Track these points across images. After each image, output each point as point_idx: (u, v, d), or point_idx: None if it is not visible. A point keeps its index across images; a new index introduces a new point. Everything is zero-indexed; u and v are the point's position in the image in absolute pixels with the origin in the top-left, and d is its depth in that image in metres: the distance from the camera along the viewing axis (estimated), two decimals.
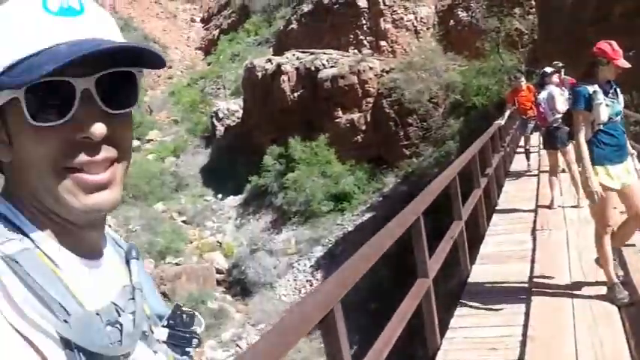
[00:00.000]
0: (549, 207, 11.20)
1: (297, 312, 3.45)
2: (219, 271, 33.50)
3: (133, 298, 1.55)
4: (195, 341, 1.66)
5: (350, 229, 31.57)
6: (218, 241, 36.92)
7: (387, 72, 36.12)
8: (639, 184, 6.60)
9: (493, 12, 35.93)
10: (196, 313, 1.69)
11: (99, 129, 1.34)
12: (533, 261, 8.38)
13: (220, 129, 48.14)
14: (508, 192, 14.05)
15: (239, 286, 31.96)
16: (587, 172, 6.30)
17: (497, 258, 9.04)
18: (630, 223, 6.88)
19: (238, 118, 46.15)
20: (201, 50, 72.74)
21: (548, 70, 12.26)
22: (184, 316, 1.68)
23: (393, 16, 40.48)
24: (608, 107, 6.29)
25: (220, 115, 48.64)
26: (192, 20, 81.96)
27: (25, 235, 1.43)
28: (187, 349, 1.66)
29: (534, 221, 10.60)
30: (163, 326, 1.65)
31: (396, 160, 33.93)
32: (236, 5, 68.74)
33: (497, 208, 12.39)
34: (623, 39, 20.33)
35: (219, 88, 56.57)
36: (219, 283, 33.01)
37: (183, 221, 40.12)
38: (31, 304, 1.31)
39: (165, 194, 43.44)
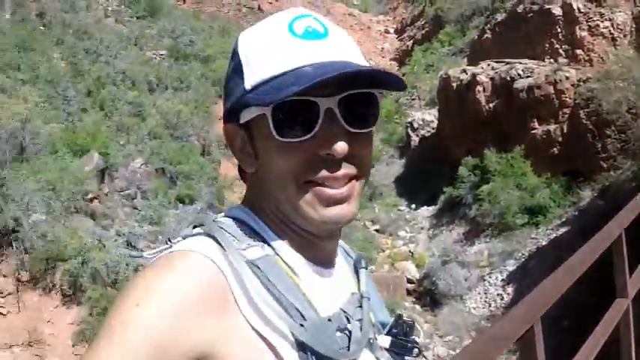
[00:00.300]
0: None
1: (499, 326, 3.45)
2: (410, 281, 33.70)
3: (360, 306, 1.69)
4: (415, 350, 1.74)
5: (544, 243, 30.76)
6: (410, 251, 37.07)
7: (584, 81, 34.96)
8: None
9: None
10: (416, 324, 1.79)
11: (341, 147, 1.48)
12: None
13: (415, 139, 48.24)
14: None
15: (429, 296, 32.00)
16: None
17: None
18: None
19: (433, 129, 46.06)
20: (396, 61, 72.95)
21: None
22: (405, 325, 1.75)
23: (589, 24, 39.15)
24: None
25: (415, 125, 48.70)
26: (386, 32, 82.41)
27: (265, 242, 1.59)
28: (407, 358, 1.74)
29: None
30: (386, 334, 1.74)
31: (592, 173, 32.66)
32: (429, 16, 68.77)
33: None
34: None
35: (413, 99, 56.69)
36: (409, 292, 33.23)
37: (376, 230, 40.52)
38: (270, 307, 1.46)
39: (361, 203, 43.76)
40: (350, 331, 1.58)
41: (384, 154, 51.00)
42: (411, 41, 71.37)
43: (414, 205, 42.64)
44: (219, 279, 1.40)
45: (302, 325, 1.46)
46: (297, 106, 1.43)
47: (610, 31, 39.13)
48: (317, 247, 1.64)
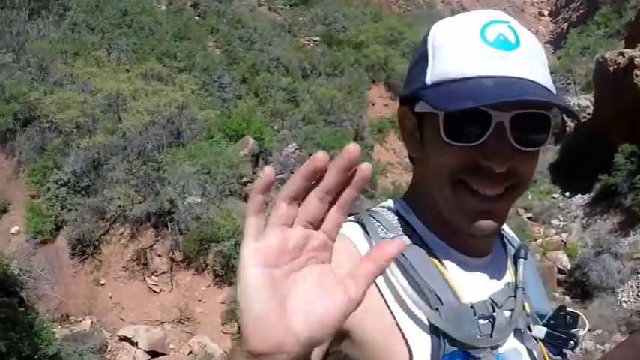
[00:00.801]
0: None
1: None
2: (561, 271, 32.82)
3: (514, 296, 1.71)
4: (571, 343, 1.74)
5: None
6: (562, 240, 36.20)
7: None
8: None
9: None
10: (581, 315, 1.77)
11: (502, 165, 1.50)
12: None
13: (570, 125, 47.14)
14: None
15: (579, 287, 31.13)
16: None
17: None
18: None
19: (589, 114, 44.69)
20: (551, 44, 71.33)
21: None
22: (568, 317, 1.75)
23: None
24: None
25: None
26: (540, 14, 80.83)
27: (415, 232, 1.67)
28: (564, 350, 1.74)
29: None
30: (543, 325, 1.74)
31: None
32: None
33: None
34: None
35: (569, 83, 55.32)
36: (559, 283, 32.42)
37: (529, 218, 39.94)
38: (408, 292, 1.52)
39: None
40: (494, 319, 1.61)
41: None
42: (566, 24, 69.77)
43: (567, 193, 41.84)
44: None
45: (437, 309, 1.51)
46: (471, 114, 1.45)
47: None
48: (468, 240, 1.68)
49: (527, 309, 1.73)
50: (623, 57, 39.18)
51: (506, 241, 1.91)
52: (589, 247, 33.25)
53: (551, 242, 36.36)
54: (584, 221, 37.72)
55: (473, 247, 1.70)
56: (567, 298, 30.73)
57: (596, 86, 42.51)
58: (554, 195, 43.02)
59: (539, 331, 1.71)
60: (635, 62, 37.28)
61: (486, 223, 1.57)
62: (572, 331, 1.73)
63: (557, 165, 45.70)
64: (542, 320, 1.75)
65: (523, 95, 1.44)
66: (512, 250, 1.87)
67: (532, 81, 1.49)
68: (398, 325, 1.51)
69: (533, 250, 34.72)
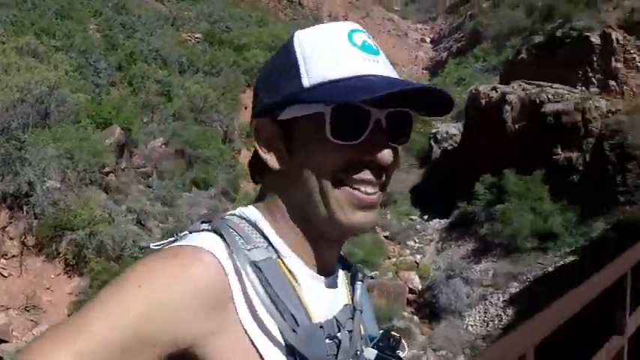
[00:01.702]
0: None
1: (490, 352, 3.46)
2: (411, 291, 33.59)
3: (352, 318, 1.69)
4: None
5: (550, 269, 30.60)
6: (416, 262, 36.90)
7: (613, 113, 34.78)
8: None
9: None
10: (402, 339, 1.78)
11: (387, 156, 1.53)
12: None
13: (437, 151, 48.22)
14: None
15: (428, 309, 31.85)
16: None
17: None
18: None
19: (456, 143, 46.07)
20: (428, 70, 73.15)
21: None
22: (392, 340, 1.76)
23: (625, 56, 39.02)
24: None
25: (439, 137, 48.80)
26: (423, 40, 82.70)
27: (271, 244, 1.59)
28: None
29: None
30: (372, 347, 1.74)
31: (608, 206, 32.51)
32: (468, 30, 68.85)
33: None
34: None
35: None
36: (409, 302, 33.04)
37: (386, 236, 40.24)
38: (266, 310, 1.48)
39: None
40: (340, 340, 1.59)
41: (404, 163, 50.93)
42: (446, 53, 71.68)
43: (426, 216, 42.64)
44: (222, 278, 1.43)
45: (294, 331, 1.48)
46: (354, 111, 1.48)
47: None
48: (321, 255, 1.65)
49: (362, 331, 1.76)
50: (496, 91, 40.47)
51: (343, 262, 1.88)
52: (441, 271, 34.02)
53: (405, 262, 36.86)
54: (439, 245, 38.52)
55: (325, 265, 1.68)
56: (416, 318, 31.52)
57: (467, 116, 43.58)
58: (412, 217, 43.68)
59: (371, 353, 1.73)
60: (507, 98, 38.51)
61: (368, 218, 1.59)
62: (396, 352, 1.75)
63: (419, 188, 46.51)
64: (371, 343, 1.77)
65: (409, 85, 1.49)
66: (348, 272, 1.86)
67: (405, 80, 1.56)
68: (254, 345, 1.47)
69: (386, 268, 35.36)
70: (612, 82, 38.96)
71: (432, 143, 48.98)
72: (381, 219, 41.69)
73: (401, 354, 1.75)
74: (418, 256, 37.76)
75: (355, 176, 1.55)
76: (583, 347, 5.89)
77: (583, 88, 39.18)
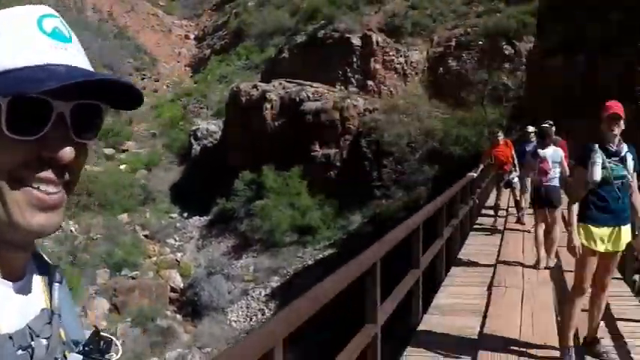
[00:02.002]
0: (535, 266, 10.86)
1: (239, 347, 3.41)
2: (173, 290, 33.16)
3: (49, 323, 1.51)
4: None
5: (310, 262, 31.30)
6: (177, 260, 36.44)
7: (370, 112, 36.07)
8: (616, 260, 6.56)
9: (483, 64, 36.13)
10: (114, 340, 1.62)
11: (68, 153, 1.36)
12: (485, 317, 8.13)
13: (197, 148, 47.91)
14: (471, 245, 13.61)
15: (191, 307, 31.57)
16: (571, 228, 6.29)
17: (450, 310, 8.75)
18: (597, 295, 6.64)
19: (216, 140, 45.97)
20: (190, 67, 72.75)
21: (546, 126, 11.76)
22: (102, 342, 1.59)
23: (384, 57, 40.62)
24: (605, 169, 6.14)
25: (199, 134, 48.53)
26: (187, 37, 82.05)
27: None
28: None
29: (492, 277, 10.28)
30: (78, 352, 1.56)
31: (365, 200, 33.78)
32: (232, 28, 68.99)
33: (457, 259, 12.06)
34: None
35: (202, 108, 56.43)
36: (171, 301, 32.64)
37: (145, 235, 39.55)
38: None
39: (132, 206, 42.62)
40: (33, 349, 1.41)
41: (164, 160, 50.32)
42: (210, 50, 71.38)
43: (186, 214, 42.15)
44: None
45: None
46: (34, 104, 1.32)
47: (403, 67, 40.64)
48: (4, 259, 1.45)
49: (63, 336, 1.56)
50: (257, 89, 40.75)
51: (40, 263, 1.65)
52: (202, 268, 33.87)
53: (166, 261, 36.23)
54: (199, 242, 38.32)
55: (11, 269, 1.47)
56: (179, 316, 31.08)
57: (228, 114, 43.55)
58: (172, 214, 43.01)
59: (75, 358, 1.53)
60: (267, 96, 38.85)
61: (51, 220, 1.40)
62: (107, 356, 1.57)
63: (179, 185, 45.92)
64: (77, 347, 1.57)
65: (97, 76, 1.36)
66: (46, 274, 1.63)
67: (94, 71, 1.43)
68: None
69: (147, 267, 34.70)
70: (370, 82, 40.29)
71: (192, 140, 48.64)
72: (140, 218, 41.04)
73: (113, 357, 1.57)
74: (179, 254, 37.25)
75: (36, 175, 1.37)
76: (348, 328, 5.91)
77: (342, 87, 40.25)
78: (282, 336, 3.40)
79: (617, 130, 6.16)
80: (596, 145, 6.13)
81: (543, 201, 10.92)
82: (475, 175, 15.72)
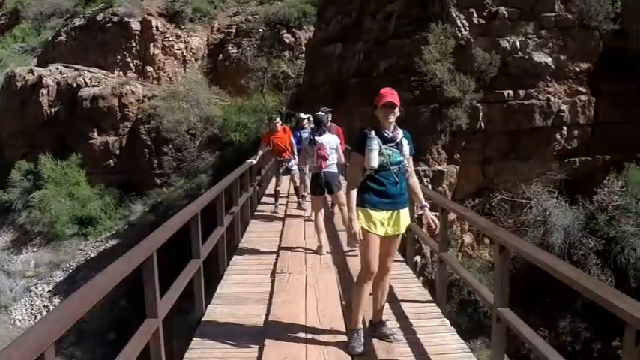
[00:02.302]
0: (317, 252, 10.81)
1: (6, 354, 2.90)
2: None
3: None
4: None
5: (93, 255, 30.65)
6: None
7: (150, 98, 35.64)
8: (397, 243, 6.61)
9: (263, 52, 36.44)
10: None
11: None
12: (269, 304, 8.09)
13: None
14: (252, 232, 13.44)
15: None
16: (351, 213, 6.30)
17: (234, 299, 8.57)
18: (379, 277, 6.62)
19: None
20: None
21: (322, 114, 11.75)
22: None
23: (164, 43, 40.22)
24: (382, 155, 6.19)
25: None
26: None
27: None
28: None
29: (275, 263, 10.26)
30: None
31: (146, 189, 33.65)
32: (8, 8, 65.45)
33: (239, 247, 11.85)
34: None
35: None
36: None
37: None
38: None
39: None
40: None
41: None
42: None
43: None
44: None
45: None
46: None
47: (183, 53, 40.34)
48: None
49: None
50: (33, 74, 38.95)
51: None
52: None
53: None
54: None
55: None
56: None
57: (2, 100, 41.26)
58: None
59: None
60: (44, 81, 37.33)
61: None
62: None
63: None
64: None
65: None
66: None
67: None
68: None
69: None
70: (150, 68, 39.74)
71: None
72: None
73: None
74: None
75: None
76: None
77: (121, 72, 39.40)
78: (53, 338, 3.18)
79: (392, 118, 6.22)
80: (373, 132, 6.19)
81: (323, 187, 10.86)
82: (254, 161, 15.49)
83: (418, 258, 18.88)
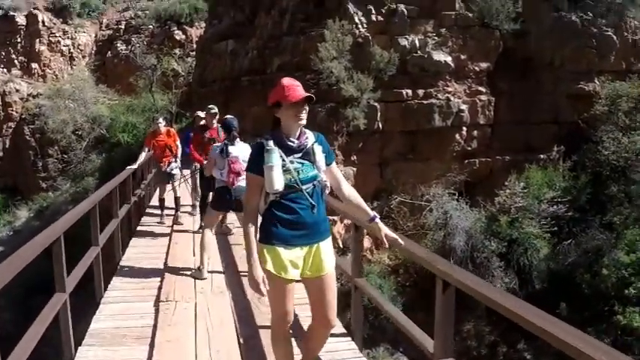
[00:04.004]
0: (195, 276, 9.22)
1: None
2: None
3: None
4: None
5: None
6: None
7: (35, 97, 34.13)
8: (331, 280, 4.85)
9: (153, 49, 35.28)
10: None
11: None
12: (152, 345, 6.64)
13: None
14: (135, 248, 11.71)
15: None
16: (249, 256, 4.60)
17: (111, 337, 6.95)
18: (317, 330, 5.00)
19: None
20: None
21: (231, 117, 9.78)
22: None
23: (50, 39, 38.53)
24: (287, 172, 4.51)
25: None
26: None
27: None
28: None
29: (160, 287, 8.80)
30: None
31: (31, 193, 32.11)
32: None
33: (119, 267, 10.20)
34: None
35: None
36: None
37: None
38: None
39: None
40: None
41: None
42: None
43: None
44: None
45: None
46: None
47: (70, 49, 38.74)
48: None
49: None
50: None
51: None
52: None
53: None
54: None
55: None
56: None
57: None
58: None
59: None
60: None
61: None
62: None
63: None
64: None
65: None
66: None
67: None
68: None
69: None
70: (35, 65, 38.05)
71: None
72: None
73: None
74: None
75: None
76: None
77: (5, 70, 37.63)
78: None
79: (303, 118, 4.57)
80: (271, 142, 4.53)
81: (230, 205, 9.30)
82: (135, 167, 13.84)
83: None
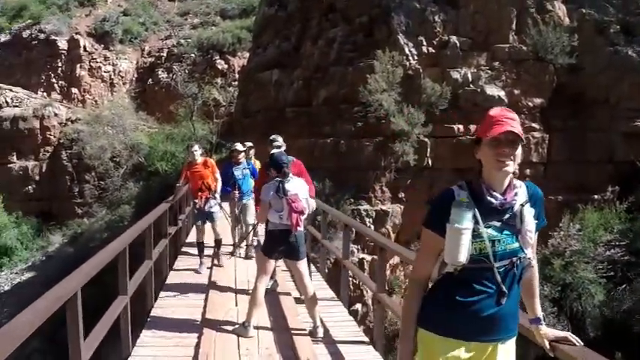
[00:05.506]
0: (240, 333, 7.97)
1: None
2: None
3: None
4: None
5: (7, 288, 28.50)
6: None
7: (73, 122, 33.87)
8: None
9: (194, 78, 35.00)
10: None
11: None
12: None
13: None
14: (169, 298, 10.16)
15: None
16: (403, 342, 3.51)
17: None
18: None
19: None
20: None
21: (278, 151, 8.88)
22: None
23: (91, 64, 38.53)
24: (478, 240, 3.22)
25: None
26: None
27: None
28: None
29: (197, 346, 7.56)
30: None
31: (66, 218, 31.77)
32: None
33: (149, 318, 8.92)
34: (325, 123, 19.79)
35: None
36: None
37: None
38: None
39: None
40: None
41: None
42: None
43: None
44: None
45: None
46: None
47: (111, 75, 38.67)
48: None
49: None
50: None
51: None
52: None
53: None
54: None
55: None
56: None
57: None
58: None
59: None
60: None
61: None
62: None
63: None
64: None
65: None
66: None
67: None
68: None
69: None
70: (75, 90, 38.00)
71: None
72: None
73: None
74: None
75: None
76: None
77: (45, 93, 37.57)
78: None
79: (511, 165, 3.26)
80: (465, 193, 3.32)
81: (284, 251, 8.11)
82: (171, 203, 12.50)
83: (359, 306, 17.72)
